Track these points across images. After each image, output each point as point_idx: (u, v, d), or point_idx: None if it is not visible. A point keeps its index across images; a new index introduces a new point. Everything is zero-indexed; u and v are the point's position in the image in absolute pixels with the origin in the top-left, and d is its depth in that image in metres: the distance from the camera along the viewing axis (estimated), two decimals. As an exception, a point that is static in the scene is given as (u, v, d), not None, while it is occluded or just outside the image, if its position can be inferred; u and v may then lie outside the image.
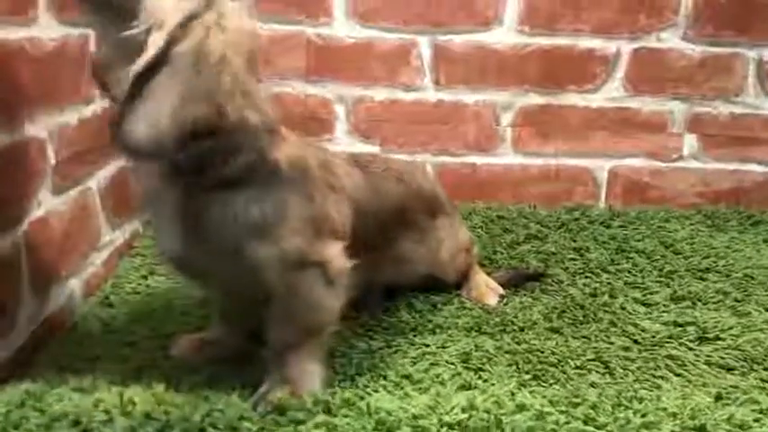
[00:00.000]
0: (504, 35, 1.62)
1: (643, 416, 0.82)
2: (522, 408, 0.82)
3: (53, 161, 1.04)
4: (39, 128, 0.99)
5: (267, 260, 0.81)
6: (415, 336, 1.07)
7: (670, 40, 1.64)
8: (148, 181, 0.82)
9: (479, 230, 1.53)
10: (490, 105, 1.67)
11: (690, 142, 1.70)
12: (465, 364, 0.98)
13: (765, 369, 1.00)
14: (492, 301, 1.20)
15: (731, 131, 1.69)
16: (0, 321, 0.88)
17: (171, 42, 0.67)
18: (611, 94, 1.67)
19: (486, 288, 1.23)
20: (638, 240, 1.49)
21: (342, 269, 0.88)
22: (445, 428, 0.77)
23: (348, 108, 1.66)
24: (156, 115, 0.67)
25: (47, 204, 1.02)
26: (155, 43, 0.66)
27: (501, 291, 1.23)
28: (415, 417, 0.79)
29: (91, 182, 1.20)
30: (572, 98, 1.67)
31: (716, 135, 1.69)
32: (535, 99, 1.67)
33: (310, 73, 1.63)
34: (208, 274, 0.87)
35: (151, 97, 0.67)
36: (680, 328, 1.11)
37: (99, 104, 1.22)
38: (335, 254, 0.88)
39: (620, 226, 1.58)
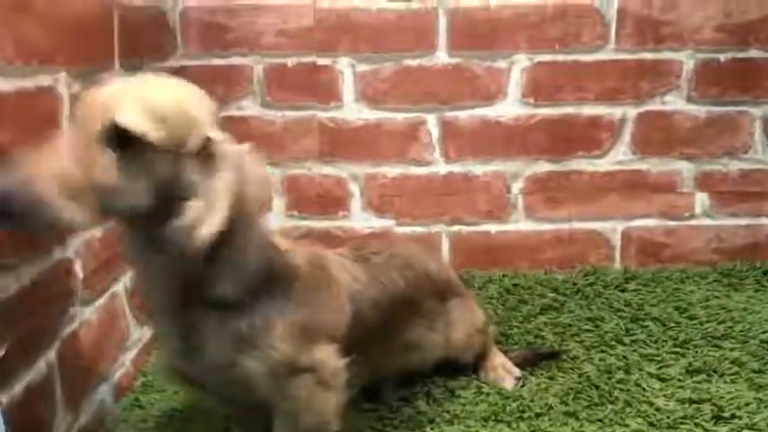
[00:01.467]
0: (509, 108, 1.66)
1: None
2: None
3: (81, 276, 1.10)
4: (66, 249, 1.05)
5: (258, 372, 0.85)
6: (432, 428, 1.10)
7: (674, 102, 1.67)
8: (157, 299, 0.87)
9: (496, 302, 1.56)
10: (500, 175, 1.70)
11: (701, 200, 1.72)
12: (481, 460, 1.00)
13: (781, 452, 1.01)
14: (509, 385, 1.22)
15: (741, 187, 1.70)
16: (36, 444, 0.93)
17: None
18: (618, 157, 1.70)
19: (503, 371, 1.25)
20: (653, 305, 1.50)
21: (335, 370, 0.91)
22: None
23: (362, 185, 1.71)
24: (241, 273, 0.81)
25: (77, 318, 1.08)
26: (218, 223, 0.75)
27: (518, 373, 1.25)
28: None
29: (117, 286, 1.26)
30: (580, 164, 1.70)
31: (727, 192, 1.71)
32: (544, 166, 1.70)
33: (324, 155, 1.69)
34: (208, 386, 0.92)
35: (234, 260, 0.80)
36: (695, 406, 1.13)
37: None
38: (327, 356, 0.91)
39: (635, 290, 1.59)
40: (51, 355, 0.99)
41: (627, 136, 1.69)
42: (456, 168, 1.71)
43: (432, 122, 1.67)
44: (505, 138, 1.68)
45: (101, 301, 1.18)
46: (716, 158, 1.70)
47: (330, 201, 1.72)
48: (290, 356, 0.86)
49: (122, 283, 1.28)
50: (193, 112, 0.76)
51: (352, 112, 1.66)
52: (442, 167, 1.71)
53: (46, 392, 0.97)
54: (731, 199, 1.71)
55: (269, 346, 0.85)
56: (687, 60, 1.64)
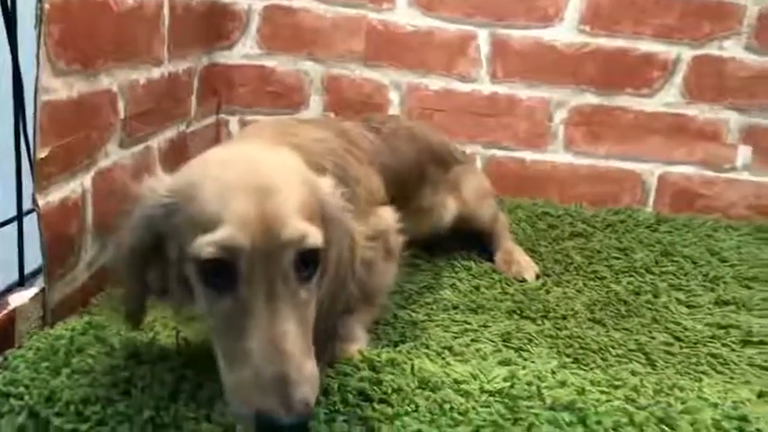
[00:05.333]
0: (564, 33, 1.62)
1: (684, 402, 0.82)
2: (563, 383, 0.82)
3: (122, 116, 1.08)
4: (112, 81, 1.03)
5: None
6: (456, 313, 1.08)
7: (732, 49, 1.62)
8: None
9: (524, 224, 1.54)
10: (544, 102, 1.67)
11: (744, 154, 1.68)
12: (506, 343, 0.99)
13: (812, 375, 0.98)
14: (530, 277, 1.25)
15: (788, 146, 1.67)
16: (68, 257, 0.92)
17: None
18: (667, 99, 1.66)
19: (526, 265, 1.28)
20: (685, 246, 1.48)
21: (398, 241, 0.94)
22: (486, 395, 0.78)
23: (403, 95, 1.68)
24: None
25: (113, 156, 1.07)
26: None
27: (537, 269, 1.28)
28: (457, 381, 0.80)
29: (152, 141, 1.24)
30: (627, 101, 1.66)
31: (772, 148, 1.67)
32: (590, 99, 1.67)
33: (369, 58, 1.66)
34: None
35: None
36: (723, 330, 1.11)
37: (166, 68, 1.26)
38: (389, 224, 0.93)
39: (667, 231, 1.57)
40: (87, 180, 0.98)
41: (679, 78, 1.65)
42: (501, 89, 1.67)
43: (483, 38, 1.64)
44: (555, 64, 1.64)
45: (136, 149, 1.16)
46: (766, 112, 1.65)
47: (369, 106, 1.69)
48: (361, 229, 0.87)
49: (158, 141, 1.26)
50: None
51: (404, 16, 1.63)
52: (486, 86, 1.67)
53: (79, 214, 0.96)
54: (775, 156, 1.68)
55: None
56: (751, 6, 1.60)
